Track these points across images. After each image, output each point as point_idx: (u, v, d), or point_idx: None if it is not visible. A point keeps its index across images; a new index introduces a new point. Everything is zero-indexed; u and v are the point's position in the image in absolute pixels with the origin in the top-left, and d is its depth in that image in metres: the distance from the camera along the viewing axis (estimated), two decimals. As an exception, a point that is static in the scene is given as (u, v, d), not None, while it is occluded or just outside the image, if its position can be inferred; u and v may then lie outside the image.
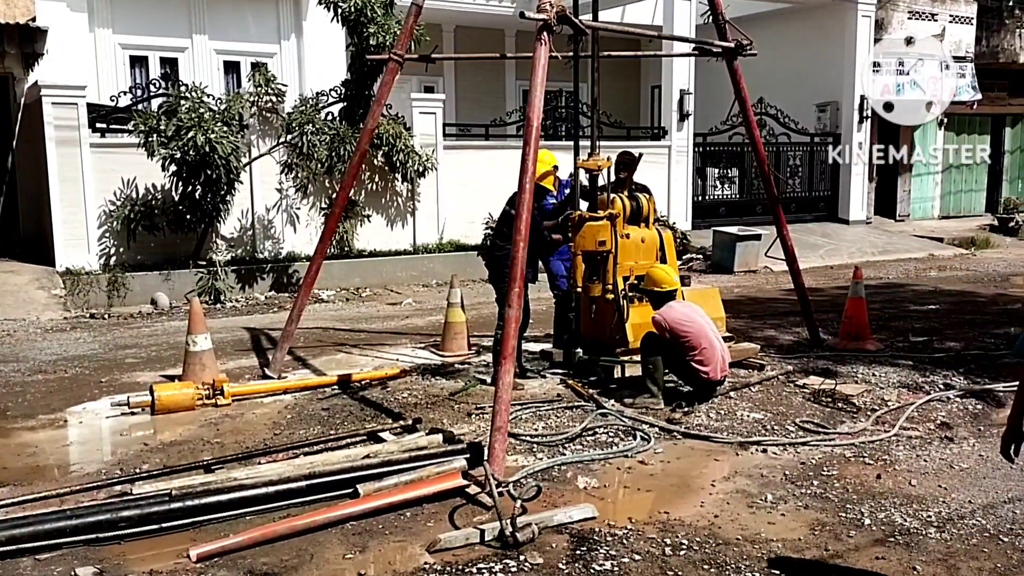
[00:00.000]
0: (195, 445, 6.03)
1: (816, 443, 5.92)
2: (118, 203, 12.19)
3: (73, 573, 4.09)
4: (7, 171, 13.46)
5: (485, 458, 5.10)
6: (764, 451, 5.80)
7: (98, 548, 4.34)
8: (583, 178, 7.89)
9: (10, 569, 4.14)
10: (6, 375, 8.07)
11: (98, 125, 12.55)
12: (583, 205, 7.84)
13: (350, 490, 4.89)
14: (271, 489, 4.84)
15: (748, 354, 8.06)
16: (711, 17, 8.43)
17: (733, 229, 15.67)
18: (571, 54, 7.10)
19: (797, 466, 5.52)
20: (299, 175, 13.02)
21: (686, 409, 6.61)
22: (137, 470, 5.41)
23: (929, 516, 4.75)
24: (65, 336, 9.96)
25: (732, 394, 7.05)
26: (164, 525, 4.53)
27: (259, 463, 5.39)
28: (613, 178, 7.62)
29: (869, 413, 6.57)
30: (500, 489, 4.72)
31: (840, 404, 6.82)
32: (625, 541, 4.44)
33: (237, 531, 4.48)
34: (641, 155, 7.82)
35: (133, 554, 4.32)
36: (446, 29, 19.38)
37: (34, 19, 13.21)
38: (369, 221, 14.07)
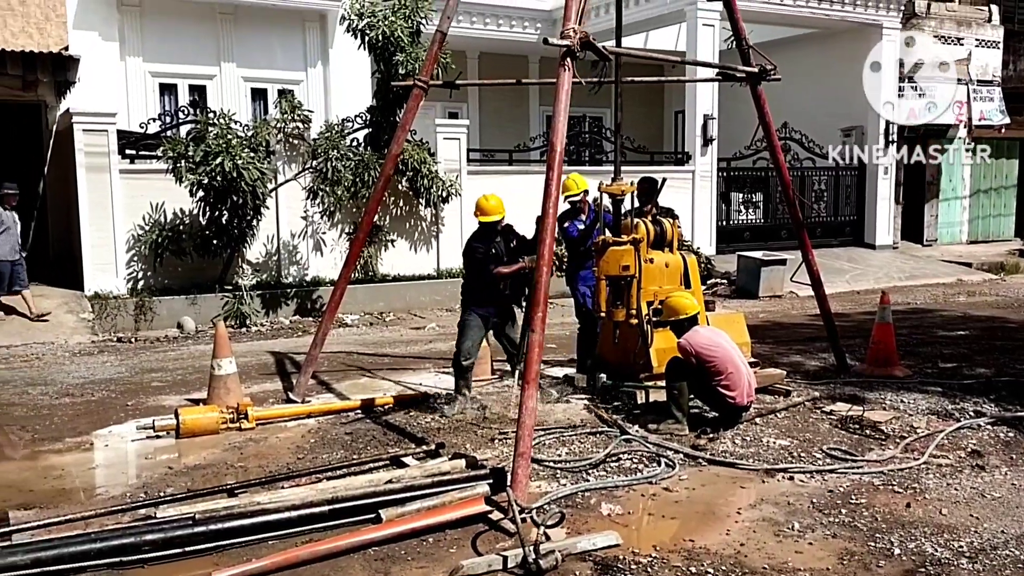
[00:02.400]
0: (219, 469, 6.05)
1: (844, 471, 5.83)
2: (146, 228, 12.35)
3: (97, 596, 4.11)
4: (38, 196, 13.68)
5: (508, 484, 5.07)
6: (791, 478, 5.72)
7: (122, 571, 4.35)
8: (606, 203, 7.90)
9: (35, 592, 4.16)
10: (34, 398, 8.16)
11: (128, 151, 12.75)
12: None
13: (372, 515, 4.88)
14: (294, 514, 4.83)
15: (774, 380, 7.98)
16: (735, 42, 8.45)
17: (758, 254, 15.59)
18: (594, 80, 7.13)
19: (825, 494, 5.43)
20: (324, 200, 13.13)
21: (711, 435, 6.54)
22: (161, 493, 5.43)
23: (961, 546, 4.65)
24: (93, 359, 10.07)
25: (758, 420, 6.97)
26: (187, 549, 4.53)
27: (282, 487, 5.39)
28: (636, 203, 7.64)
29: (898, 440, 6.46)
30: (523, 515, 4.68)
31: (868, 431, 6.72)
32: (649, 569, 4.38)
33: (260, 556, 4.47)
34: (665, 180, 7.84)
35: (157, 578, 4.33)
36: (470, 56, 19.57)
37: (67, 48, 13.49)
38: (393, 246, 14.14)
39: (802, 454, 6.18)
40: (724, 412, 6.74)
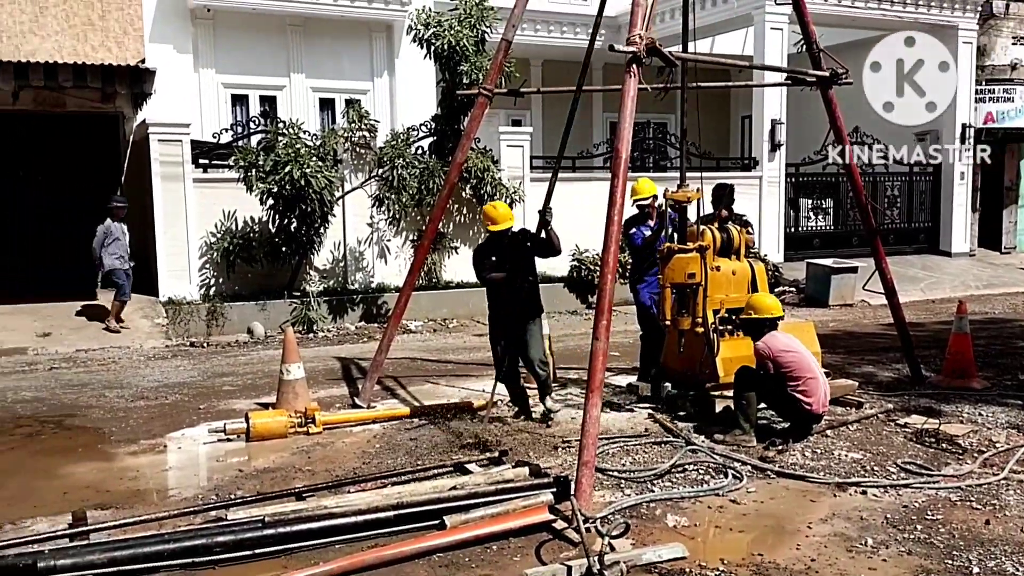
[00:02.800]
0: (287, 472, 6.15)
1: (919, 485, 5.65)
2: (218, 235, 12.65)
3: (170, 596, 4.21)
4: (116, 205, 14.12)
5: (572, 493, 5.05)
6: (863, 493, 5.56)
7: (194, 572, 4.45)
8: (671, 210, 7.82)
9: (111, 590, 4.28)
10: (111, 401, 8.42)
11: (200, 161, 13.11)
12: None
13: (437, 521, 4.90)
14: (360, 518, 4.88)
15: (845, 391, 7.78)
16: (804, 46, 8.30)
17: (828, 261, 15.25)
18: (660, 86, 7.07)
19: (899, 509, 5.27)
20: (390, 208, 13.28)
21: (780, 447, 6.40)
22: (232, 496, 5.54)
23: (1045, 567, 4.47)
24: (166, 364, 10.35)
25: (829, 432, 6.80)
26: (257, 551, 4.61)
27: (349, 492, 5.45)
28: (708, 209, 7.55)
29: (976, 455, 6.24)
30: (587, 525, 4.65)
31: (944, 445, 6.50)
32: (717, 583, 4.31)
33: (327, 559, 4.53)
34: (732, 187, 7.74)
35: (227, 579, 4.42)
36: (534, 63, 19.61)
37: (143, 61, 13.92)
38: (457, 253, 14.22)
39: (875, 468, 6.01)
40: (797, 421, 6.59)
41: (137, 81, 12.30)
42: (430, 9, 13.86)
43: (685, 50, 7.74)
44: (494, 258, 7.28)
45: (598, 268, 6.95)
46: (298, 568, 4.42)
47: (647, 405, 7.65)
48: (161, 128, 12.62)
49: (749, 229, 8.19)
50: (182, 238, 12.62)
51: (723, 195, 8.20)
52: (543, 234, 7.54)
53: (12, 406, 8.21)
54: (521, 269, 7.26)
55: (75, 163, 14.74)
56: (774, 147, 17.22)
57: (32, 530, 5.04)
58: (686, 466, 6.02)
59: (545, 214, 7.69)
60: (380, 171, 13.20)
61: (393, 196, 13.12)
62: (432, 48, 13.28)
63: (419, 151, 13.72)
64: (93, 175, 14.48)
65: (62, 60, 12.59)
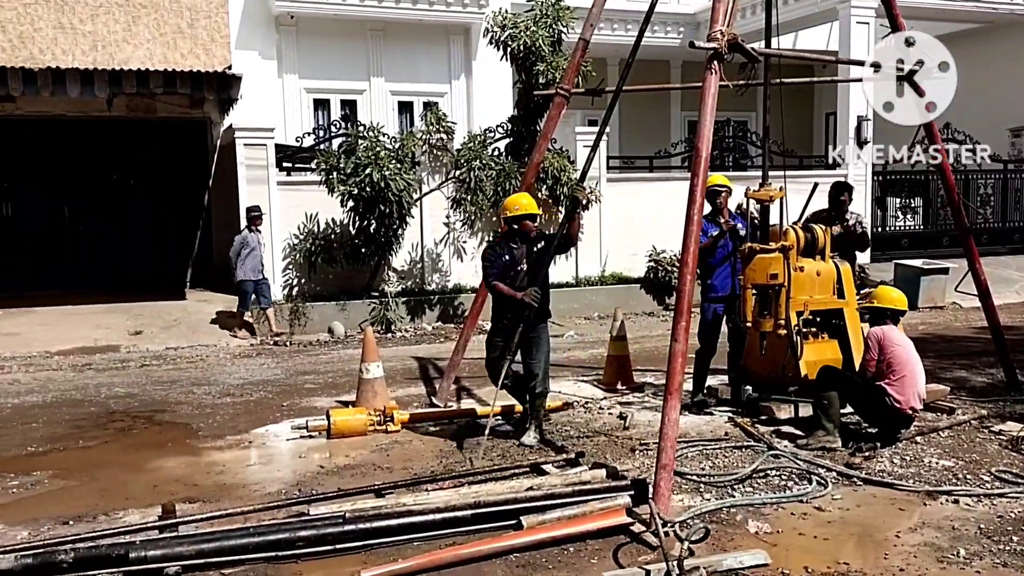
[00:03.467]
0: (366, 469, 6.24)
1: (1016, 495, 5.40)
2: (300, 237, 12.94)
3: (254, 588, 4.31)
4: (203, 208, 14.60)
5: (650, 496, 4.98)
6: (955, 502, 5.34)
7: (277, 566, 4.55)
8: (753, 209, 7.64)
9: (198, 581, 4.41)
10: (199, 397, 8.68)
11: (284, 164, 13.43)
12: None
13: (513, 521, 4.90)
14: (437, 516, 4.91)
15: (936, 396, 7.50)
16: (892, 40, 8.03)
17: (917, 262, 14.73)
18: (742, 82, 6.93)
19: (994, 520, 5.05)
20: (466, 209, 13.37)
21: (867, 453, 6.20)
22: (314, 491, 5.64)
23: None
24: (251, 361, 10.63)
25: (919, 439, 6.56)
26: (338, 546, 4.69)
27: (426, 490, 5.50)
28: (792, 209, 7.37)
29: (1079, 465, 5.94)
30: (666, 529, 4.59)
31: (1044, 454, 6.21)
32: (800, 591, 4.19)
33: (405, 556, 4.58)
34: (816, 185, 7.51)
35: (309, 573, 4.50)
36: (611, 63, 19.49)
37: (230, 67, 14.35)
38: (533, 254, 14.22)
39: (968, 476, 5.77)
40: (884, 421, 6.39)
41: (224, 87, 12.68)
42: (507, 11, 13.91)
43: (768, 45, 7.57)
44: (507, 258, 6.59)
45: (676, 269, 6.80)
46: (377, 564, 4.48)
47: (727, 409, 7.50)
48: (247, 132, 12.98)
49: (862, 224, 8.00)
50: (266, 239, 12.94)
51: (841, 193, 8.00)
52: (573, 216, 6.70)
53: (106, 401, 8.54)
54: (538, 277, 6.53)
55: (165, 167, 15.30)
56: (860, 144, 16.71)
57: (124, 521, 5.23)
58: (768, 471, 5.88)
59: (576, 193, 6.90)
60: (457, 173, 13.30)
61: (469, 197, 13.20)
62: (508, 50, 13.32)
63: (495, 152, 13.78)
64: (182, 179, 15.02)
65: (153, 67, 13.07)
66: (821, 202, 7.89)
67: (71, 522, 5.27)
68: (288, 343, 11.80)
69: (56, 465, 6.49)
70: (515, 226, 6.62)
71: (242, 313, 12.15)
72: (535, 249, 6.62)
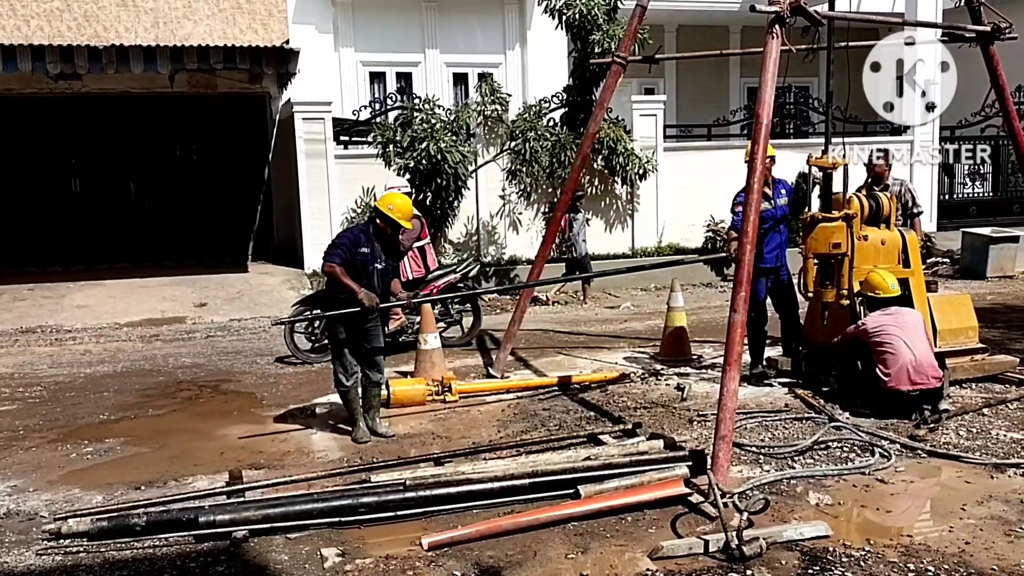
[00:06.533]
0: (425, 438, 6.33)
1: (1089, 470, 5.26)
2: (358, 210, 13.07)
3: (319, 553, 4.42)
4: (264, 182, 14.83)
5: (708, 467, 4.97)
6: (1025, 475, 5.22)
7: (340, 531, 4.66)
8: (816, 175, 7.47)
9: (264, 545, 4.54)
10: (262, 367, 8.88)
11: (341, 138, 13.55)
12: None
13: (571, 491, 4.93)
14: (496, 485, 4.97)
15: (1004, 367, 7.29)
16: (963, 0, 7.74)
17: (986, 230, 14.28)
18: (805, 47, 6.75)
19: (1065, 494, 4.92)
20: (521, 181, 13.35)
21: (931, 425, 6.08)
22: (375, 460, 5.74)
23: None
24: (311, 333, 10.79)
25: (986, 411, 6.41)
26: (399, 513, 4.78)
27: (484, 459, 5.56)
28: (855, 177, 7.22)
29: None
30: (725, 500, 4.57)
31: (1119, 427, 6.01)
32: (863, 563, 4.15)
33: (465, 523, 4.65)
34: (887, 151, 7.30)
35: (371, 539, 4.60)
36: (668, 29, 19.16)
37: (287, 42, 14.48)
38: (588, 225, 14.15)
39: (1038, 450, 5.63)
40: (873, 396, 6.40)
41: (283, 61, 12.79)
42: (562, -22, 13.74)
43: (832, 8, 7.36)
44: (366, 250, 6.21)
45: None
46: (437, 530, 4.56)
47: (787, 380, 7.41)
48: (305, 107, 13.12)
49: (911, 192, 7.81)
50: (325, 212, 13.11)
51: (873, 161, 7.80)
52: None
53: (174, 371, 8.79)
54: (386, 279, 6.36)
55: (226, 142, 15.58)
56: (927, 109, 16.20)
57: (193, 487, 5.40)
58: (829, 443, 5.81)
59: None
60: (512, 144, 13.26)
61: (525, 169, 13.18)
62: (563, 18, 13.19)
63: (550, 123, 13.70)
64: (243, 153, 15.27)
65: (213, 43, 13.24)
66: (896, 171, 7.71)
67: (143, 487, 5.46)
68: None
69: (127, 433, 6.72)
70: (377, 220, 6.30)
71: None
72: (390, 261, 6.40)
